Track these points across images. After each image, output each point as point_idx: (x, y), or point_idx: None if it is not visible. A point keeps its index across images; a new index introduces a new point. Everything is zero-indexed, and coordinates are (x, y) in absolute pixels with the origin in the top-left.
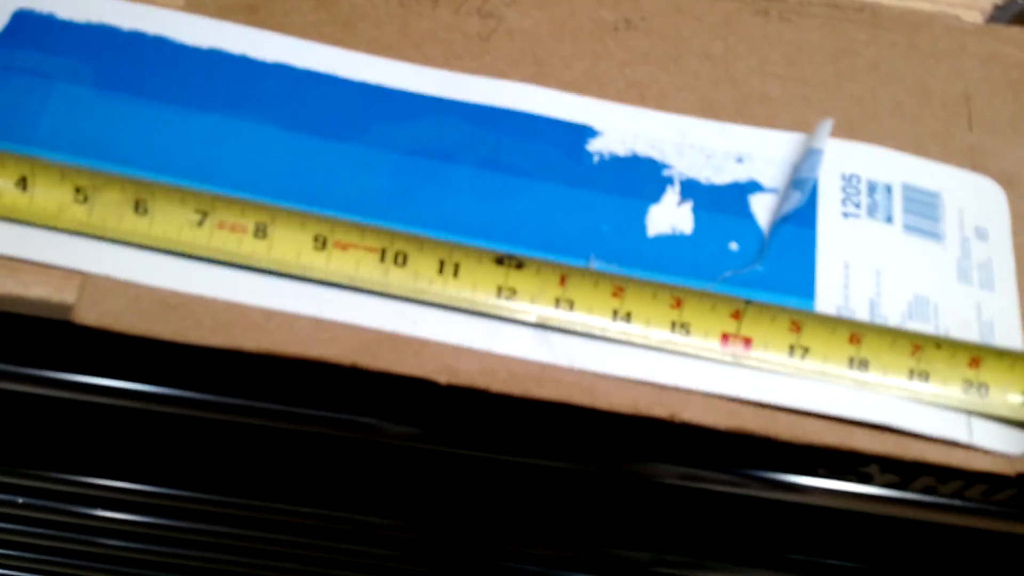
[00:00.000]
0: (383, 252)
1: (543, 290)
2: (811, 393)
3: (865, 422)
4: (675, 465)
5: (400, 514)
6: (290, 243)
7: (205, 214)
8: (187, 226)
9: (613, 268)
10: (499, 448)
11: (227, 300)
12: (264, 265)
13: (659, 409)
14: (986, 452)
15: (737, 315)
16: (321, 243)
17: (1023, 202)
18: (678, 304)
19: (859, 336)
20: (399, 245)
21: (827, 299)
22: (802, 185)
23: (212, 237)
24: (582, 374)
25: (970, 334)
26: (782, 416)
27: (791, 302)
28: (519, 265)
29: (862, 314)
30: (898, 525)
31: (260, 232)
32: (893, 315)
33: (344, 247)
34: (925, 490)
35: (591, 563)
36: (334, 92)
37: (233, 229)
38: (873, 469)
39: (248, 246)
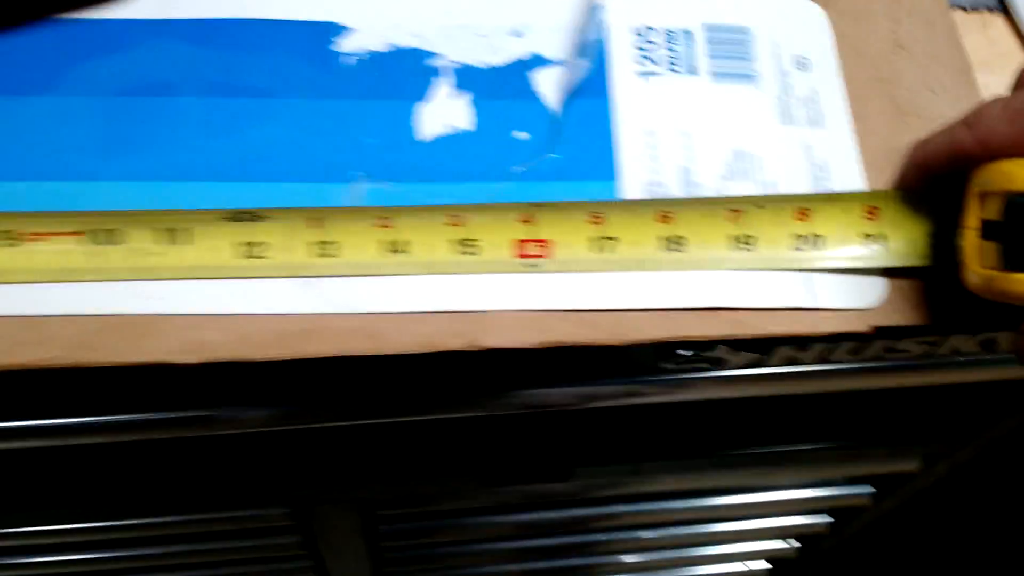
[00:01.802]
0: (91, 234)
1: (295, 238)
2: (629, 288)
3: (694, 307)
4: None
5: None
6: None
7: None
8: None
9: (385, 186)
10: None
11: None
12: None
13: (456, 340)
14: (834, 311)
15: (528, 219)
16: (10, 239)
17: (847, 20)
18: (457, 221)
19: (669, 214)
20: (109, 222)
21: (633, 177)
22: (587, 50)
23: None
24: (362, 318)
25: (803, 182)
26: (601, 319)
27: (595, 189)
28: (257, 218)
29: (675, 187)
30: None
31: None
32: (711, 180)
33: (41, 237)
34: (789, 361)
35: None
36: (12, 38)
37: None
38: (722, 351)
39: None
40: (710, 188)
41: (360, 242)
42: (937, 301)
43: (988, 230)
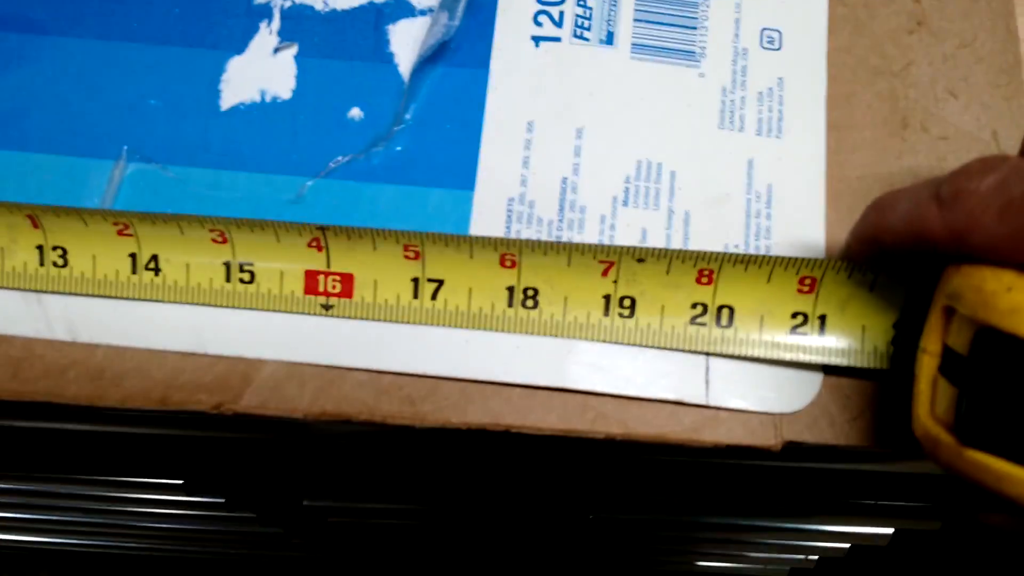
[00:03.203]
0: None
1: (15, 237)
2: (453, 349)
3: (541, 385)
4: None
5: None
6: None
7: None
8: None
9: (155, 168)
10: None
11: None
12: None
13: (205, 398)
14: (734, 412)
15: (318, 245)
16: None
17: None
18: (223, 239)
19: (514, 257)
20: None
21: (493, 188)
22: (452, 0)
23: None
24: (90, 351)
25: (729, 218)
26: (409, 387)
27: (442, 199)
28: None
29: (547, 207)
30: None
31: None
32: (600, 202)
33: None
34: None
35: None
36: None
37: None
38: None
39: None
40: (596, 216)
41: (100, 250)
42: (887, 413)
43: (950, 364)
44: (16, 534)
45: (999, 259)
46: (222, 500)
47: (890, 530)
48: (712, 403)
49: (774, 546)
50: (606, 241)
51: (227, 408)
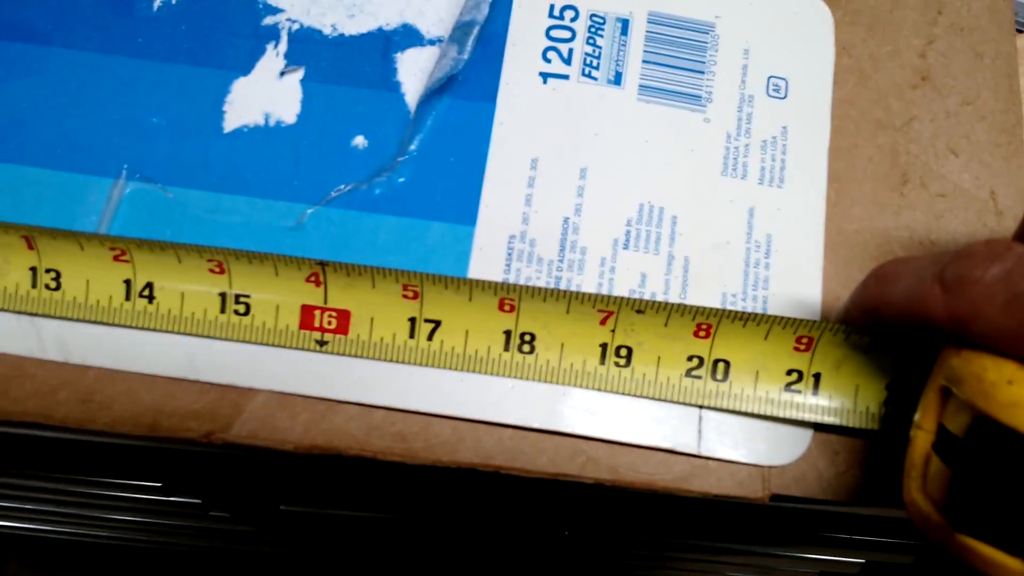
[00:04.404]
0: None
1: (8, 257)
2: (446, 388)
3: (532, 427)
4: None
5: None
6: None
7: None
8: None
9: (155, 189)
10: None
11: None
12: None
13: (195, 426)
14: (724, 462)
15: (317, 280)
16: None
17: (859, 28)
18: (221, 269)
19: (513, 301)
20: None
21: (494, 224)
22: (462, 33)
23: None
24: (81, 372)
25: (729, 265)
26: (402, 423)
27: (443, 233)
28: None
29: (548, 245)
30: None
31: None
32: (600, 244)
33: None
34: None
35: None
36: None
37: None
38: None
39: None
40: (596, 259)
41: (92, 274)
42: (875, 472)
43: (944, 444)
44: None
45: (1001, 349)
46: (198, 501)
47: (861, 560)
48: (703, 453)
49: (745, 567)
50: (605, 284)
51: (217, 437)
